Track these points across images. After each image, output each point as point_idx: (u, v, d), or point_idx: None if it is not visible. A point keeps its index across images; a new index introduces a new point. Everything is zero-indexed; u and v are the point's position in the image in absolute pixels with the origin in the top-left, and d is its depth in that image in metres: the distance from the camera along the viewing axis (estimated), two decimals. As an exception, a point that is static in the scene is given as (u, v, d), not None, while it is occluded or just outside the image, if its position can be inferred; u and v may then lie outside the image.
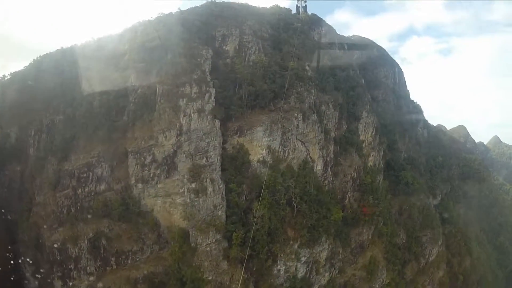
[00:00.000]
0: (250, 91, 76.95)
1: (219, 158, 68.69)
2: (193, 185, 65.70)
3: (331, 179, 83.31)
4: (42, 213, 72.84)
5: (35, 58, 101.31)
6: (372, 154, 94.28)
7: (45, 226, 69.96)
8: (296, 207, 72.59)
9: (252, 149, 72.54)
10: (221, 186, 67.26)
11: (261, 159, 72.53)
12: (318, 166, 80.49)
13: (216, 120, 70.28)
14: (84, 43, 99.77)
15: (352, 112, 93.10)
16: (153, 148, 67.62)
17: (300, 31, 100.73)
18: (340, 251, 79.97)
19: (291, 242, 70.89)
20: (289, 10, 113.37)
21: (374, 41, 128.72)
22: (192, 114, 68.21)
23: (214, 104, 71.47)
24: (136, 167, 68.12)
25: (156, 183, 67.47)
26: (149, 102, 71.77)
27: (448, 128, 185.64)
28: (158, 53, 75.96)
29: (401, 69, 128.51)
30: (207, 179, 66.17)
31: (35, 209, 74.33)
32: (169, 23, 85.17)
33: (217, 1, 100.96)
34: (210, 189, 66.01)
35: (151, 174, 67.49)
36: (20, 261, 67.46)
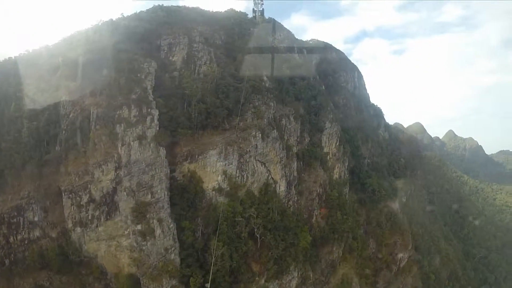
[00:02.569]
0: (201, 109, 64.54)
1: (166, 193, 56.03)
2: (139, 227, 53.47)
3: (296, 198, 72.63)
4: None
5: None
6: (337, 166, 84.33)
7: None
8: (260, 238, 61.67)
9: (205, 176, 60.29)
10: (171, 225, 54.94)
11: (217, 187, 60.52)
12: (281, 187, 69.54)
13: (161, 148, 57.42)
14: (17, 56, 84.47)
15: (314, 123, 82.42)
16: (89, 185, 54.93)
17: (257, 36, 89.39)
18: (311, 275, 70.49)
19: (257, 278, 60.23)
20: (245, 14, 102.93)
21: (332, 44, 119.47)
22: (132, 143, 55.32)
23: (157, 128, 58.71)
24: (72, 208, 55.81)
25: (97, 226, 55.09)
26: (83, 128, 58.45)
27: (405, 126, 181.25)
28: (93, 68, 62.35)
29: (360, 73, 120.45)
30: (154, 220, 53.73)
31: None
32: (108, 32, 72.01)
33: (165, 5, 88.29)
34: (158, 231, 53.69)
35: (89, 216, 55.02)
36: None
